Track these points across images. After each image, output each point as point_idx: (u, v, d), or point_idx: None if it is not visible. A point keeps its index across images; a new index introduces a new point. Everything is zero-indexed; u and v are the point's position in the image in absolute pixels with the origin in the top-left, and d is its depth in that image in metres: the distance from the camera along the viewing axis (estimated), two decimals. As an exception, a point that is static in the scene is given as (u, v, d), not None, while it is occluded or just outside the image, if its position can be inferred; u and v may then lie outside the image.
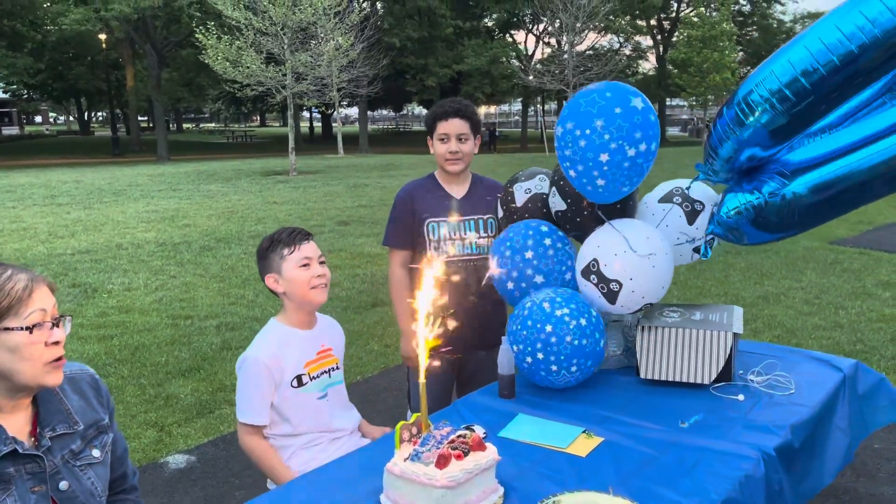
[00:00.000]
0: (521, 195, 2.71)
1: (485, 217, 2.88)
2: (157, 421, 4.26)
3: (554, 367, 2.24)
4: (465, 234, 2.86)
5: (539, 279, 2.45)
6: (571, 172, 2.29)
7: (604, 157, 2.16)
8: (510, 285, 2.52)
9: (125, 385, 4.78)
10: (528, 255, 2.46)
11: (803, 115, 2.06)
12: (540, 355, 2.24)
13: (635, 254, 2.24)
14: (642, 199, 2.66)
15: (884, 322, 5.69)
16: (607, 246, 2.31)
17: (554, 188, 2.59)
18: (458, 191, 2.89)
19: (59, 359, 1.53)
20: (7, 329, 1.45)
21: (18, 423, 1.56)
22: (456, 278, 2.57)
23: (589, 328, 2.26)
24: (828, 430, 2.26)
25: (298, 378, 2.33)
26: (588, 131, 2.16)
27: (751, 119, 2.10)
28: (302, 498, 1.75)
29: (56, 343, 1.52)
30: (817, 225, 2.37)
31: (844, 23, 1.89)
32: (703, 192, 2.54)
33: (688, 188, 2.52)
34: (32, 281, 1.50)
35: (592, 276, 2.32)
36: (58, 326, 1.54)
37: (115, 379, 4.88)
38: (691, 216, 2.49)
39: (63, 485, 1.59)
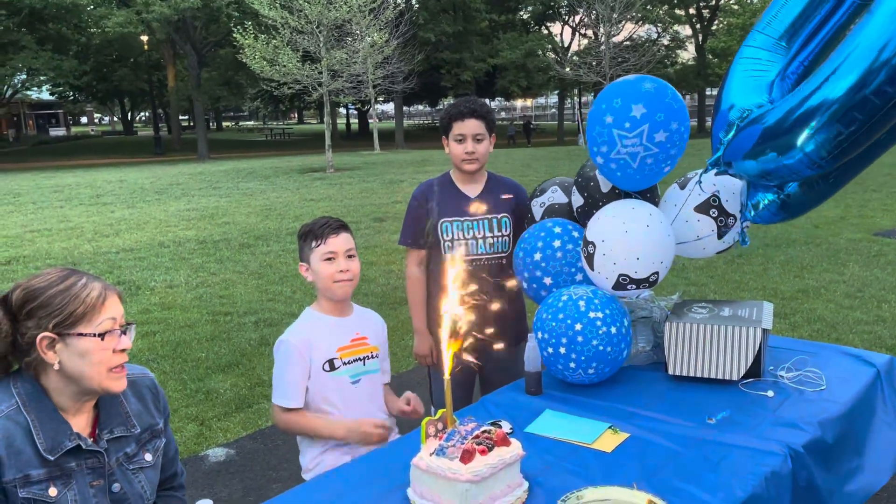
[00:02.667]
0: (537, 211, 2.75)
1: (498, 216, 2.88)
2: (197, 415, 4.37)
3: (572, 365, 2.27)
4: (479, 233, 2.86)
5: (548, 280, 2.47)
6: (599, 159, 2.33)
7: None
8: (524, 284, 2.56)
9: (167, 380, 4.90)
10: (537, 256, 2.48)
11: None
12: (562, 350, 2.26)
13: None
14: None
15: (928, 316, 5.58)
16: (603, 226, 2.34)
17: (575, 186, 2.61)
18: (472, 190, 2.90)
19: (121, 366, 1.61)
20: (80, 335, 1.53)
21: (81, 424, 1.63)
22: (470, 277, 2.60)
23: (617, 337, 2.27)
24: (869, 427, 2.24)
25: (331, 362, 2.38)
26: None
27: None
28: (333, 491, 1.79)
29: (122, 350, 1.59)
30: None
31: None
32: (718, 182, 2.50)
33: (699, 181, 2.48)
34: (105, 290, 1.58)
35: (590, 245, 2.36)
36: (125, 334, 1.61)
37: (158, 374, 4.95)
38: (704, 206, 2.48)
39: (115, 487, 1.66)
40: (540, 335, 2.33)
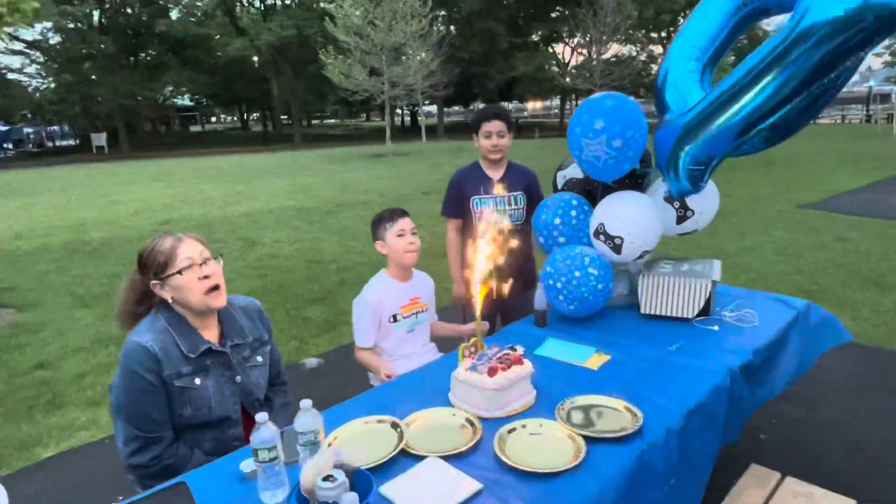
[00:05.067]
0: (560, 181, 2.68)
1: (515, 194, 2.83)
2: (297, 335, 4.47)
3: (561, 297, 2.27)
4: (501, 207, 2.83)
5: (562, 240, 2.43)
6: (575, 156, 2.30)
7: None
8: (541, 240, 2.52)
9: (275, 309, 5.00)
10: (557, 221, 2.44)
11: None
12: (559, 285, 2.25)
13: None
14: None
15: (835, 269, 5.41)
16: (608, 212, 2.28)
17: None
18: (496, 174, 2.85)
19: (215, 287, 1.67)
20: (170, 275, 1.62)
21: (211, 335, 1.74)
22: (496, 240, 2.58)
23: (601, 292, 2.26)
24: (782, 354, 2.20)
25: (394, 316, 2.41)
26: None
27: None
28: (394, 393, 1.83)
29: (206, 277, 1.64)
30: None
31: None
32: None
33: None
34: (176, 241, 1.65)
35: (601, 237, 2.30)
36: (206, 264, 1.65)
37: (269, 304, 5.07)
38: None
39: (238, 378, 1.75)
40: (549, 269, 2.31)
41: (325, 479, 1.13)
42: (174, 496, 1.33)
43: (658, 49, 39.12)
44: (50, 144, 42.67)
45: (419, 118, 33.92)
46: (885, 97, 34.91)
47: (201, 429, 1.69)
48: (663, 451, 1.49)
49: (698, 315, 2.26)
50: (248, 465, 1.42)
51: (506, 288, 2.71)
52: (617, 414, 1.60)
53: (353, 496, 1.03)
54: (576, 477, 1.35)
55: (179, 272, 1.61)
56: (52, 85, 31.05)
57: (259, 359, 1.83)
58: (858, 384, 3.31)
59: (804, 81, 1.70)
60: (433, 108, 38.89)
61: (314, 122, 61.43)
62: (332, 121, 65.04)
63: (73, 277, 6.34)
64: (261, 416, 1.31)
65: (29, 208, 11.73)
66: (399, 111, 49.08)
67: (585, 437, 1.47)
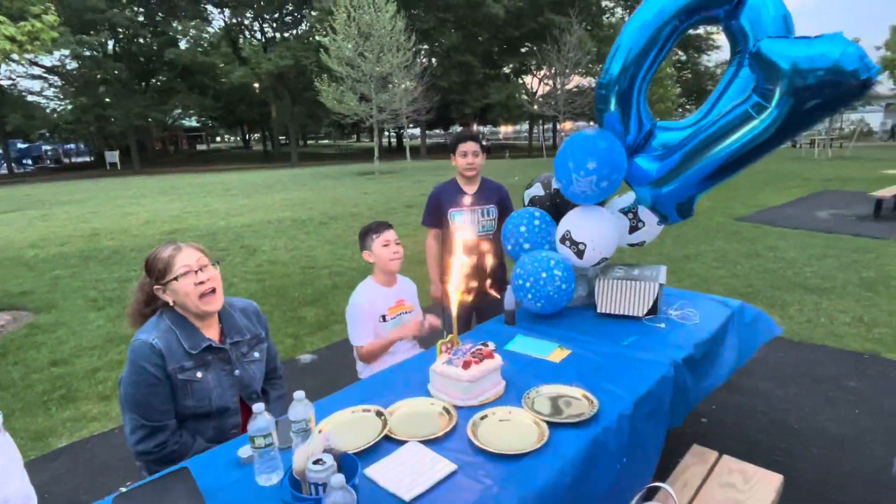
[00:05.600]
0: (527, 198, 2.70)
1: (487, 207, 2.84)
2: (293, 333, 4.41)
3: (529, 296, 2.28)
4: (475, 218, 2.84)
5: (527, 245, 2.44)
6: (561, 184, 2.28)
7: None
8: (509, 247, 2.53)
9: (273, 310, 4.94)
10: (522, 229, 2.45)
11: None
12: (528, 284, 2.26)
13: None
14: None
15: (766, 274, 5.53)
16: (575, 222, 2.30)
17: (540, 184, 2.61)
18: (471, 189, 2.86)
19: (211, 291, 1.64)
20: (168, 281, 1.61)
21: (212, 333, 1.71)
22: (470, 248, 2.62)
23: (565, 292, 2.28)
24: (722, 348, 2.24)
25: (383, 317, 2.40)
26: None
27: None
28: (379, 386, 1.81)
29: (202, 283, 1.62)
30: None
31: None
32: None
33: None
34: (175, 249, 1.63)
35: (566, 243, 2.31)
36: (202, 271, 1.63)
37: (267, 306, 5.04)
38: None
39: (237, 372, 1.73)
40: (519, 270, 2.31)
41: (315, 462, 1.12)
42: (177, 480, 1.30)
43: (614, 81, 39.60)
44: (66, 161, 41.67)
45: (404, 140, 33.87)
46: (808, 125, 35.78)
47: (203, 418, 1.66)
48: (616, 434, 1.51)
49: (647, 314, 2.29)
50: (245, 451, 1.40)
51: (484, 290, 2.74)
52: (576, 401, 1.61)
53: (340, 477, 1.02)
54: (539, 458, 1.35)
55: (176, 278, 1.60)
56: (69, 107, 30.39)
57: (256, 354, 1.81)
58: (787, 374, 3.38)
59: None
60: (417, 131, 38.90)
61: (309, 142, 61.03)
62: (326, 141, 64.63)
63: (86, 282, 6.19)
64: (257, 407, 1.30)
65: (46, 219, 11.44)
66: (386, 133, 49.02)
67: (549, 423, 1.48)
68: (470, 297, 2.75)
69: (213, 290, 1.65)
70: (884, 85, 25.58)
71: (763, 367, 3.43)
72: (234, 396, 1.71)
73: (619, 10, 39.25)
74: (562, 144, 2.21)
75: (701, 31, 38.92)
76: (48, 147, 42.82)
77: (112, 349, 4.19)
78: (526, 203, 2.70)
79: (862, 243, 6.69)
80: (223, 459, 1.42)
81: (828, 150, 21.14)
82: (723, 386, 2.42)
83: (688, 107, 34.47)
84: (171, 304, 1.64)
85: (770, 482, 1.76)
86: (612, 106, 2.08)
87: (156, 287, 1.63)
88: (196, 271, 1.62)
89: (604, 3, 38.58)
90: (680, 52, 39.02)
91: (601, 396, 1.62)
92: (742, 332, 2.40)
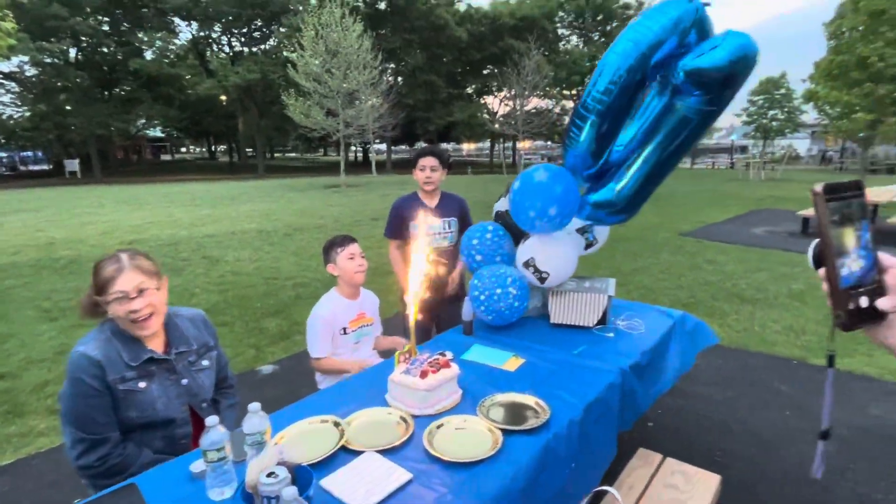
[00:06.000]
0: (494, 212, 2.72)
1: (448, 219, 2.85)
2: (255, 343, 4.28)
3: (482, 308, 2.28)
4: (435, 230, 2.84)
5: (479, 257, 2.44)
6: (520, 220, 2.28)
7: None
8: (465, 259, 2.52)
9: (235, 321, 4.78)
10: (475, 241, 2.46)
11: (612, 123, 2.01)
12: (483, 297, 2.26)
13: None
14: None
15: (707, 285, 5.73)
16: (539, 250, 2.31)
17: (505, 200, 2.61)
18: (431, 202, 2.86)
19: (148, 316, 1.55)
20: (106, 301, 1.53)
21: (156, 344, 1.64)
22: (430, 259, 2.62)
23: (517, 308, 2.29)
24: (666, 355, 2.30)
25: (344, 329, 2.35)
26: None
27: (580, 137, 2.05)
28: (339, 396, 1.77)
29: (134, 311, 1.53)
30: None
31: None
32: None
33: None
34: (117, 270, 1.53)
35: (530, 268, 2.32)
36: (139, 297, 1.54)
37: (229, 317, 4.88)
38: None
39: (184, 381, 1.65)
40: (476, 282, 2.31)
41: (268, 475, 1.08)
42: (124, 497, 1.23)
43: (570, 104, 40.84)
44: (23, 168, 39.47)
45: (370, 154, 33.71)
46: (743, 148, 37.78)
47: (149, 429, 1.58)
48: (566, 440, 1.52)
49: (597, 324, 2.33)
50: (198, 466, 1.34)
51: (445, 300, 2.72)
52: (529, 409, 1.61)
53: (293, 490, 0.99)
54: (493, 464, 1.35)
55: (109, 302, 1.52)
56: (27, 114, 28.84)
57: (205, 363, 1.74)
58: (725, 379, 3.50)
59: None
60: (383, 146, 38.81)
61: (276, 154, 59.98)
62: (293, 154, 63.64)
63: (39, 293, 5.83)
64: (211, 420, 1.24)
65: (-2, 227, 10.77)
66: (353, 148, 48.75)
67: (502, 430, 1.48)
68: (430, 306, 2.75)
69: (150, 315, 1.56)
70: (809, 114, 27.21)
71: (704, 373, 3.55)
72: (183, 406, 1.64)
73: (574, 38, 40.53)
74: (516, 185, 2.18)
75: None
76: (3, 154, 40.49)
77: (63, 361, 3.93)
78: (493, 216, 2.72)
79: (791, 258, 7.04)
80: (174, 474, 1.35)
81: (761, 172, 22.28)
82: (668, 391, 2.48)
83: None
84: (110, 315, 1.56)
85: (709, 482, 1.80)
86: (584, 135, 2.01)
87: (96, 298, 1.55)
88: (132, 298, 1.52)
89: (560, 31, 39.80)
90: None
91: (553, 403, 1.62)
92: (683, 340, 2.47)
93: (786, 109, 29.31)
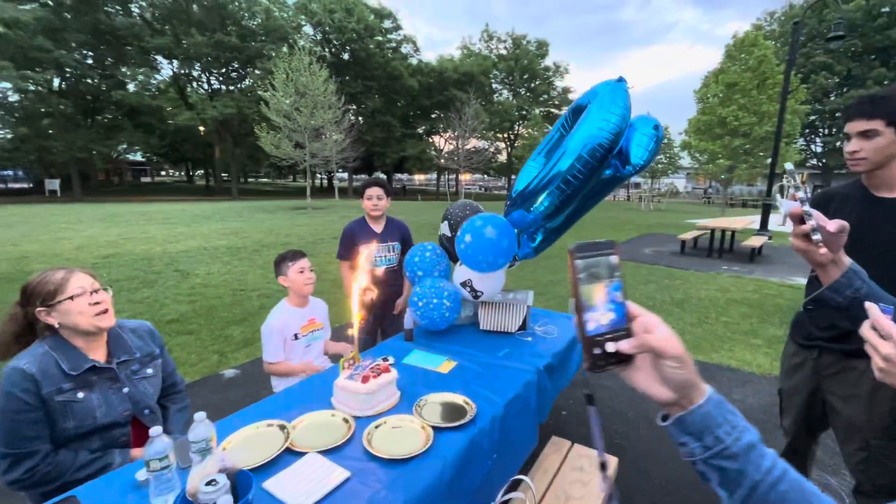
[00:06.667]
0: (440, 235, 2.67)
1: (392, 243, 2.78)
2: (219, 349, 3.99)
3: (419, 313, 2.22)
4: (381, 253, 2.76)
5: (419, 273, 2.39)
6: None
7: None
8: (408, 275, 2.47)
9: (202, 329, 4.45)
10: (416, 259, 2.40)
11: (564, 202, 2.01)
12: (421, 303, 2.20)
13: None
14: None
15: (610, 295, 5.95)
16: (476, 276, 2.27)
17: (445, 221, 2.57)
18: (378, 227, 2.79)
19: (105, 311, 1.42)
20: (59, 302, 1.37)
21: (97, 354, 1.46)
22: (376, 278, 2.54)
23: (449, 317, 2.24)
24: (571, 355, 2.32)
25: (295, 335, 2.22)
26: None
27: (534, 210, 2.04)
28: (289, 399, 1.65)
29: (97, 303, 1.40)
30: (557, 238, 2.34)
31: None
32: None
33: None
34: (68, 273, 1.41)
35: (467, 287, 2.29)
36: (97, 293, 1.42)
37: (196, 325, 4.54)
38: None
39: (126, 390, 1.48)
40: (417, 290, 2.24)
41: (208, 483, 0.96)
42: (61, 511, 1.06)
43: (502, 145, 41.97)
44: (2, 186, 35.60)
45: (334, 181, 32.94)
46: (637, 184, 40.21)
47: (87, 436, 1.39)
48: (489, 434, 1.48)
49: (518, 329, 2.33)
50: (142, 474, 1.19)
51: (388, 312, 2.63)
52: (458, 406, 1.56)
53: (228, 499, 0.88)
54: (424, 460, 1.28)
55: (71, 298, 1.36)
56: (9, 135, 26.13)
57: (149, 371, 1.57)
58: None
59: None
60: (345, 175, 38.21)
61: (250, 179, 57.58)
62: (265, 179, 61.35)
63: (6, 304, 5.19)
64: (155, 430, 1.10)
65: (-29, 241, 9.58)
66: (318, 175, 47.67)
67: (434, 427, 1.42)
68: (376, 317, 2.66)
69: (106, 311, 1.43)
70: (685, 160, 29.43)
71: (606, 368, 3.64)
72: (126, 412, 1.45)
73: (505, 92, 41.88)
74: (468, 239, 2.10)
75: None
76: (-18, 172, 36.39)
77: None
78: (439, 236, 2.67)
79: (672, 272, 7.47)
80: (116, 483, 1.19)
81: (650, 204, 23.76)
82: (577, 383, 2.51)
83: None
84: (57, 326, 1.38)
85: (608, 463, 1.81)
86: (541, 199, 1.93)
87: (39, 310, 1.36)
88: (91, 292, 1.40)
89: (494, 86, 41.10)
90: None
91: (478, 402, 1.58)
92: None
93: (668, 155, 31.56)
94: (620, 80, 1.84)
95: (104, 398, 1.41)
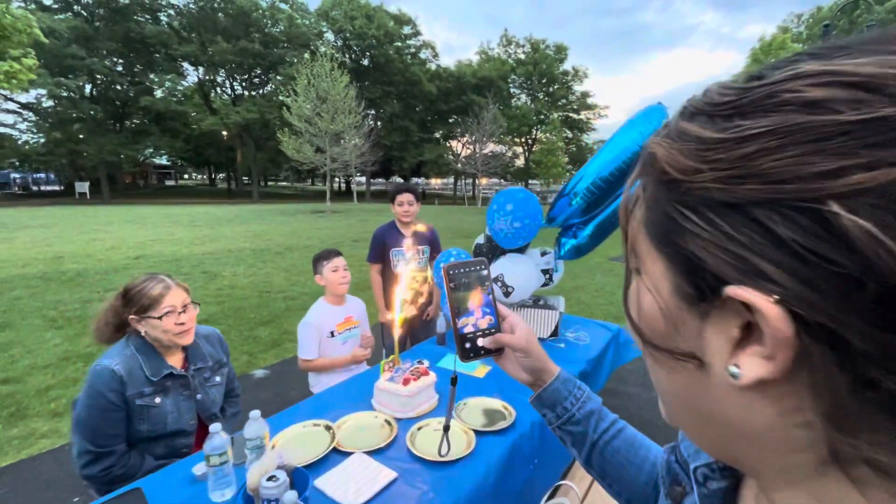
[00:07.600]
0: (474, 245, 2.69)
1: (421, 248, 2.80)
2: (248, 350, 4.08)
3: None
4: (412, 257, 2.80)
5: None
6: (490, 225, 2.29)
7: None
8: (436, 279, 2.50)
9: (230, 330, 4.55)
10: (443, 265, 2.42)
11: (596, 202, 2.12)
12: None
13: None
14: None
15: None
16: (508, 267, 2.30)
17: (483, 236, 2.60)
18: (408, 232, 2.81)
19: (187, 331, 1.48)
20: (150, 317, 1.42)
21: (175, 360, 1.52)
22: (408, 281, 2.57)
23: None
24: (604, 362, 2.31)
25: (332, 332, 2.26)
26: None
27: (574, 202, 2.14)
28: (329, 400, 1.69)
29: (182, 324, 1.45)
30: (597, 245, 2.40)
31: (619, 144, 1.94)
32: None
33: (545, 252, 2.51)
34: (165, 288, 1.45)
35: (499, 283, 2.31)
36: (184, 312, 1.46)
37: (225, 326, 4.65)
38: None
39: (199, 396, 1.53)
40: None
41: (269, 479, 1.00)
42: (129, 501, 1.11)
43: (519, 149, 41.82)
44: (35, 189, 37.03)
45: (352, 185, 33.29)
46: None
47: (156, 440, 1.45)
48: (529, 439, 1.49)
49: (550, 336, 2.34)
50: (200, 469, 1.23)
51: (420, 314, 2.65)
52: (497, 412, 1.58)
53: (293, 494, 0.92)
54: (468, 463, 1.30)
55: (160, 318, 1.42)
56: (42, 140, 27.20)
57: (218, 378, 1.62)
58: (650, 382, 3.55)
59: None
60: (363, 179, 38.59)
61: (270, 183, 58.57)
62: (285, 183, 62.35)
63: (46, 303, 5.41)
64: (214, 427, 1.15)
65: (9, 241, 9.98)
66: (337, 179, 48.26)
67: (475, 431, 1.44)
68: (409, 319, 2.69)
69: (189, 329, 1.49)
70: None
71: (634, 376, 3.60)
72: (192, 420, 1.51)
73: (523, 96, 41.82)
74: (509, 207, 2.23)
75: (582, 115, 42.28)
76: (17, 175, 37.88)
77: (67, 367, 3.65)
78: (473, 246, 2.69)
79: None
80: (177, 477, 1.24)
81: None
82: (604, 393, 2.50)
83: (572, 171, 36.82)
84: (143, 333, 1.45)
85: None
86: (578, 200, 2.11)
87: (132, 317, 1.43)
88: (179, 312, 1.45)
89: (512, 90, 41.09)
90: (567, 131, 41.96)
91: (517, 406, 1.60)
92: (619, 350, 2.50)
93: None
94: (660, 104, 1.89)
95: (176, 405, 1.47)
